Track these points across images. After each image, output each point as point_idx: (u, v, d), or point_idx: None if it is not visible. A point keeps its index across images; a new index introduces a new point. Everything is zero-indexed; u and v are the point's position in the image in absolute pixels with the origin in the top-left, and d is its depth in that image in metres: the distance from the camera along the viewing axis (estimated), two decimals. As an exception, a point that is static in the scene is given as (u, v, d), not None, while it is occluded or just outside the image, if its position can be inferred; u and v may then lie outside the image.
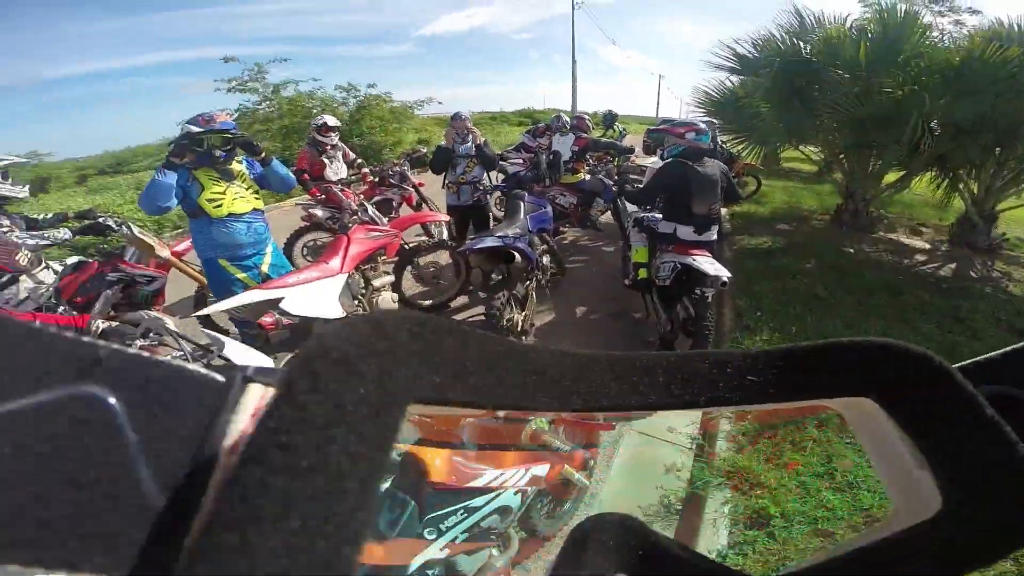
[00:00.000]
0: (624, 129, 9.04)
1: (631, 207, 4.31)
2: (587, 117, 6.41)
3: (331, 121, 5.22)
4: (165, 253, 3.29)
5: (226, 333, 3.64)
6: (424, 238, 4.85)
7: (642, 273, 3.90)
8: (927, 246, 6.63)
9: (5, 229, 2.86)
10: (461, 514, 1.26)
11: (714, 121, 6.83)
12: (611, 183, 5.52)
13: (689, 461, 2.80)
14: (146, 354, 0.17)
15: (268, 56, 12.49)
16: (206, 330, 1.83)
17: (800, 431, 2.82)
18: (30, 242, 2.89)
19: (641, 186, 3.95)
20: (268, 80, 12.23)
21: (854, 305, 4.48)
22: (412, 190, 5.37)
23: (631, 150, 6.53)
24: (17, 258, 2.77)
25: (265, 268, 3.06)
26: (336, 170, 5.22)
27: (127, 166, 15.11)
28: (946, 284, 5.16)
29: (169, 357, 1.65)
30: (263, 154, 3.01)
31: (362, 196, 4.23)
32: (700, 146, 3.50)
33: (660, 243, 3.75)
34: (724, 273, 3.24)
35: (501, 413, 1.23)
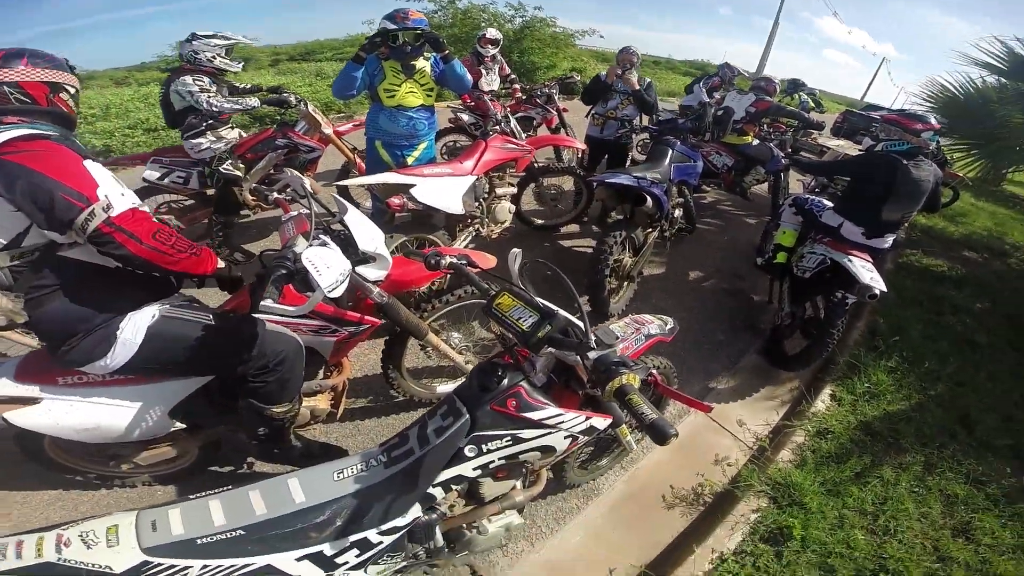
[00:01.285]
0: (810, 102, 7.83)
1: (800, 179, 3.82)
2: (776, 81, 5.55)
3: (492, 34, 5.38)
4: (328, 130, 3.79)
5: (357, 206, 4.08)
6: (554, 161, 4.86)
7: (781, 257, 3.55)
8: None
9: (213, 91, 3.43)
10: (507, 440, 1.26)
11: (944, 120, 5.79)
12: (781, 154, 4.99)
13: (743, 459, 2.66)
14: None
15: None
16: (338, 196, 1.96)
17: (873, 468, 2.60)
18: (227, 105, 3.41)
19: (826, 159, 3.47)
20: None
21: (1014, 364, 3.73)
22: (555, 113, 5.33)
23: (820, 126, 5.72)
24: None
25: (410, 160, 3.30)
26: (490, 81, 5.38)
27: (314, 56, 16.48)
28: None
29: (297, 212, 1.79)
30: (447, 51, 3.15)
31: (508, 109, 4.26)
32: (927, 145, 3.02)
33: (817, 232, 3.37)
34: (879, 285, 2.86)
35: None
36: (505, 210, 3.57)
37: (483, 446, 1.24)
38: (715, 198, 6.17)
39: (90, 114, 6.60)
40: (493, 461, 1.27)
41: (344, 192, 3.86)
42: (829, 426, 2.83)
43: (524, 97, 5.51)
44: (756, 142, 4.98)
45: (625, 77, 4.09)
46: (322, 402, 2.02)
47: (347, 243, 1.69)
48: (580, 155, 4.81)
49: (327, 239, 1.63)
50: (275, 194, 2.06)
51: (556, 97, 5.34)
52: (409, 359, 2.41)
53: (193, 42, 3.40)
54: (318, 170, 4.14)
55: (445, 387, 2.56)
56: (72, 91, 1.48)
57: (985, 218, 7.87)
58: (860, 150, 5.40)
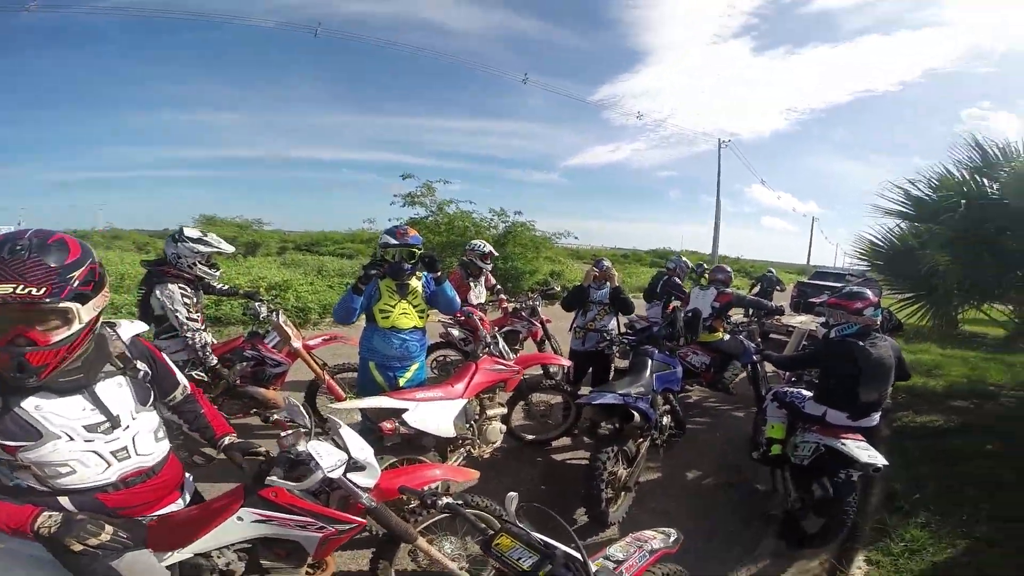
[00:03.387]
0: (774, 278, 8.62)
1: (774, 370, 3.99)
2: (730, 270, 5.97)
3: (489, 249, 5.59)
4: (298, 345, 3.85)
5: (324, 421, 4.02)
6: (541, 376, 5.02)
7: (776, 449, 3.58)
8: None
9: (195, 301, 3.47)
10: None
11: (873, 280, 6.20)
12: (752, 345, 5.25)
13: None
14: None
15: (447, 170, 14.42)
16: (331, 416, 2.15)
17: None
18: (197, 335, 3.41)
19: (790, 352, 3.66)
20: (436, 197, 13.73)
21: None
22: (539, 326, 5.61)
23: (781, 310, 6.10)
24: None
25: (402, 382, 3.38)
26: (478, 294, 5.57)
27: (317, 248, 17.93)
28: None
29: (295, 429, 1.92)
30: (439, 273, 3.34)
31: (496, 328, 4.43)
32: (874, 323, 3.24)
33: (804, 422, 3.47)
34: (879, 460, 2.91)
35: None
36: (496, 431, 3.60)
37: None
38: (700, 396, 6.24)
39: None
40: None
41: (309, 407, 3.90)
42: None
43: (510, 308, 5.82)
44: (727, 337, 5.27)
45: (609, 275, 4.51)
46: None
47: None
48: (566, 370, 4.97)
49: (324, 443, 1.85)
50: (275, 415, 2.25)
51: (539, 308, 5.66)
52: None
53: (178, 244, 3.43)
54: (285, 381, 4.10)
55: None
56: None
57: (959, 365, 8.00)
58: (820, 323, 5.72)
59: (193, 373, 3.45)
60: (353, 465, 1.86)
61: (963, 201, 5.36)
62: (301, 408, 2.07)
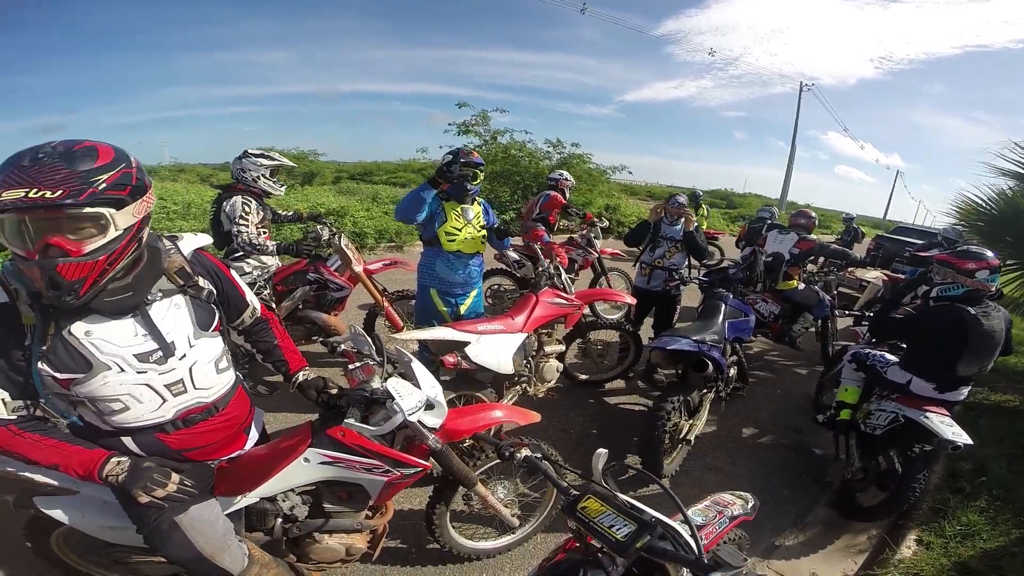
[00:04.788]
0: (858, 229, 8.22)
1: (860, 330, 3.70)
2: (814, 215, 5.43)
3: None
4: (359, 268, 3.65)
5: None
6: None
7: (845, 414, 3.33)
8: None
9: (259, 216, 3.49)
10: None
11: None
12: (828, 298, 4.90)
13: None
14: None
15: (495, 102, 14.07)
16: (399, 347, 2.00)
17: None
18: (255, 245, 3.41)
19: (890, 313, 3.30)
20: (491, 126, 13.53)
21: None
22: (596, 255, 5.39)
23: (864, 263, 5.64)
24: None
25: (463, 309, 3.30)
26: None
27: (370, 177, 18.12)
28: None
29: (363, 362, 1.81)
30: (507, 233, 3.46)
31: (562, 263, 4.10)
32: (987, 288, 2.84)
33: (883, 388, 3.20)
34: (963, 439, 2.66)
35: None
36: (553, 369, 3.46)
37: None
38: (761, 348, 5.96)
39: (173, 210, 6.87)
40: None
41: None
42: (920, 571, 2.58)
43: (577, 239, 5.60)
44: (802, 286, 4.87)
45: (686, 214, 4.16)
46: (360, 542, 1.93)
47: None
48: (628, 308, 4.76)
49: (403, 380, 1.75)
50: (342, 346, 2.10)
51: (598, 238, 5.42)
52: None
53: (243, 159, 3.49)
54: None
55: (488, 543, 2.45)
56: None
57: None
58: (895, 277, 5.25)
59: (268, 300, 3.47)
60: (423, 403, 1.75)
61: None
62: (367, 338, 1.91)
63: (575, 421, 3.73)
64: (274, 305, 3.52)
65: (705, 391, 3.34)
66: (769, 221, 6.78)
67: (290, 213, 4.13)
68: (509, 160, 12.96)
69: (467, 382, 3.03)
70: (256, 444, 1.75)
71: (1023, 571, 2.58)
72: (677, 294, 4.31)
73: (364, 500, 1.84)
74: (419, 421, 1.69)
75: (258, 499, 1.65)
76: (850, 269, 6.29)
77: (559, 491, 1.45)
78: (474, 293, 3.37)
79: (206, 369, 1.45)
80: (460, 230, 3.12)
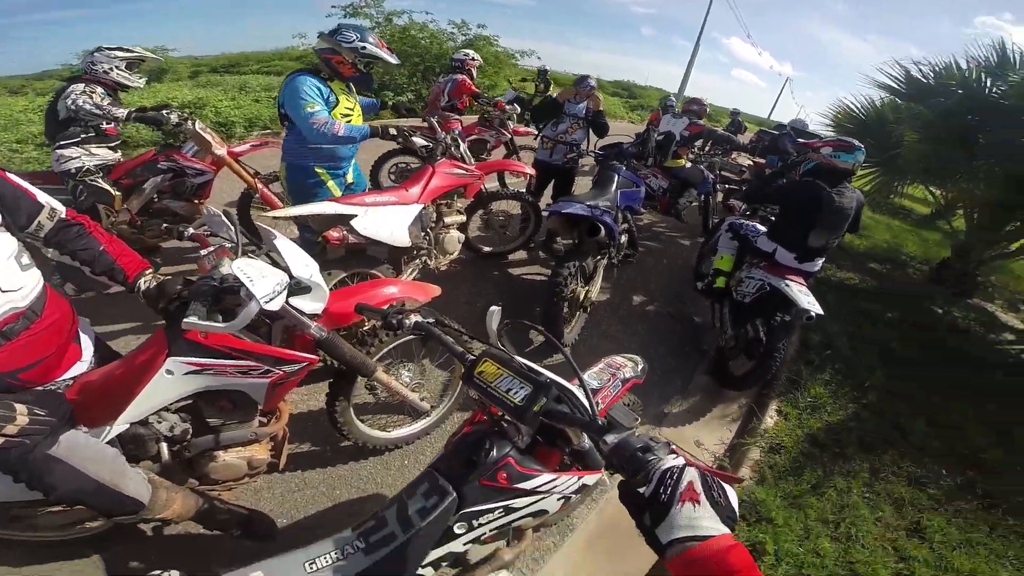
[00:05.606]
0: (742, 122, 9.20)
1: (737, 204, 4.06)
2: (705, 103, 5.87)
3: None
4: (221, 151, 3.40)
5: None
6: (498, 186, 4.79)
7: (720, 282, 3.68)
8: (1021, 326, 5.94)
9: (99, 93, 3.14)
10: (499, 512, 1.16)
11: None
12: (711, 176, 5.29)
13: None
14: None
15: None
16: (263, 224, 1.75)
17: (826, 478, 2.78)
18: (90, 108, 3.04)
19: (758, 184, 3.71)
20: (384, 7, 12.34)
21: (927, 369, 4.13)
22: (508, 136, 5.28)
23: (748, 148, 6.13)
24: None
25: (349, 178, 3.11)
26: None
27: (237, 68, 15.68)
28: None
29: (217, 245, 1.60)
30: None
31: (456, 129, 4.07)
32: (838, 166, 3.18)
33: (752, 257, 3.53)
34: (816, 308, 3.03)
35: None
36: (454, 240, 3.42)
37: (474, 521, 1.14)
38: (649, 220, 6.39)
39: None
40: (485, 533, 1.17)
41: (246, 221, 3.57)
42: (780, 441, 2.99)
43: (485, 118, 5.41)
44: (689, 165, 5.24)
45: (595, 96, 4.17)
46: (260, 452, 1.78)
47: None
48: (529, 179, 4.78)
49: (256, 258, 1.48)
50: (191, 229, 1.85)
51: (511, 119, 5.28)
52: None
53: (94, 53, 3.18)
54: (212, 198, 3.71)
55: (402, 431, 2.40)
56: None
57: (883, 231, 8.67)
58: (759, 163, 5.86)
59: (89, 179, 3.12)
60: (296, 287, 1.52)
61: (960, 91, 5.55)
62: (223, 217, 1.65)
63: (480, 294, 3.82)
64: (110, 188, 3.18)
65: (599, 257, 3.51)
66: (671, 105, 7.06)
67: (132, 111, 3.49)
68: (407, 41, 11.99)
69: (359, 260, 2.85)
70: (95, 355, 1.55)
71: (858, 446, 3.08)
72: (575, 167, 4.40)
73: (252, 407, 1.67)
74: (294, 308, 1.49)
75: (128, 425, 1.45)
76: (733, 155, 6.83)
77: (455, 357, 1.36)
78: (354, 161, 3.20)
79: (7, 266, 1.25)
80: (352, 109, 2.93)
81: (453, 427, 2.56)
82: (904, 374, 3.93)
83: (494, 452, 1.15)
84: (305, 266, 1.58)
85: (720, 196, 5.84)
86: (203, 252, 1.57)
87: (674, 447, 0.96)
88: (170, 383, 1.43)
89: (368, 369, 1.76)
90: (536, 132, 4.42)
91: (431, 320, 1.46)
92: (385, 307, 1.73)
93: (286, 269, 1.52)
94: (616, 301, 4.25)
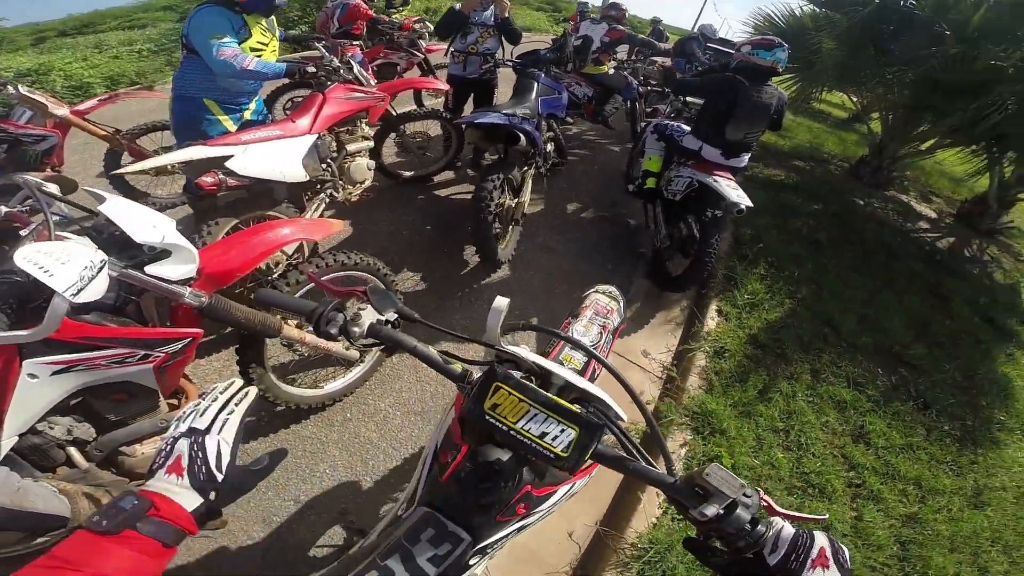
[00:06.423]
0: (663, 31, 9.06)
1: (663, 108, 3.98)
2: (625, 7, 5.55)
3: None
4: (62, 112, 3.11)
5: (144, 195, 3.35)
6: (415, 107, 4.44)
7: (650, 182, 3.65)
8: (933, 215, 6.44)
9: None
10: (514, 534, 1.00)
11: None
12: (635, 82, 5.15)
13: (657, 392, 2.73)
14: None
15: None
16: (90, 188, 1.44)
17: (771, 383, 2.83)
18: None
19: (687, 77, 3.72)
20: None
21: (851, 259, 4.32)
22: (421, 56, 4.87)
23: (669, 53, 6.03)
24: None
25: (248, 115, 2.84)
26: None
27: (92, 28, 13.66)
28: (939, 257, 5.01)
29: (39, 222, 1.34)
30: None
31: (353, 54, 3.42)
32: (758, 63, 3.14)
33: (679, 156, 3.50)
34: (745, 200, 3.03)
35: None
36: (362, 168, 3.15)
37: (489, 551, 0.94)
38: (579, 129, 6.29)
39: None
40: (497, 551, 1.00)
41: (120, 181, 3.23)
42: (724, 344, 3.02)
43: (385, 40, 4.91)
44: (612, 71, 5.09)
45: (501, 2, 3.84)
46: None
47: (125, 243, 1.31)
48: (446, 97, 4.46)
49: (69, 236, 1.25)
50: (3, 208, 1.51)
51: (423, 38, 4.86)
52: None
53: None
54: (71, 165, 3.37)
55: (335, 384, 2.25)
56: None
57: (804, 132, 8.94)
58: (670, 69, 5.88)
59: None
60: (152, 254, 1.28)
61: (876, 0, 5.70)
62: (40, 186, 1.37)
63: (405, 221, 3.57)
64: None
65: (526, 168, 3.35)
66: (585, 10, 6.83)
67: None
68: None
69: (255, 202, 2.56)
70: None
71: (797, 345, 3.14)
72: (492, 78, 4.14)
73: (151, 395, 1.46)
74: (156, 277, 1.28)
75: (15, 439, 1.24)
76: (657, 63, 6.74)
77: (448, 377, 0.98)
78: (256, 97, 2.94)
79: None
80: (267, 44, 2.74)
81: (391, 370, 2.44)
82: (831, 266, 4.09)
83: (511, 488, 0.88)
84: (152, 228, 1.34)
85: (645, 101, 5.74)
86: (23, 232, 1.32)
87: (763, 497, 0.83)
88: (39, 387, 1.23)
89: (273, 329, 1.54)
90: (446, 48, 4.09)
91: (392, 319, 1.01)
92: (315, 305, 1.04)
93: (123, 237, 1.27)
94: (550, 211, 4.16)
